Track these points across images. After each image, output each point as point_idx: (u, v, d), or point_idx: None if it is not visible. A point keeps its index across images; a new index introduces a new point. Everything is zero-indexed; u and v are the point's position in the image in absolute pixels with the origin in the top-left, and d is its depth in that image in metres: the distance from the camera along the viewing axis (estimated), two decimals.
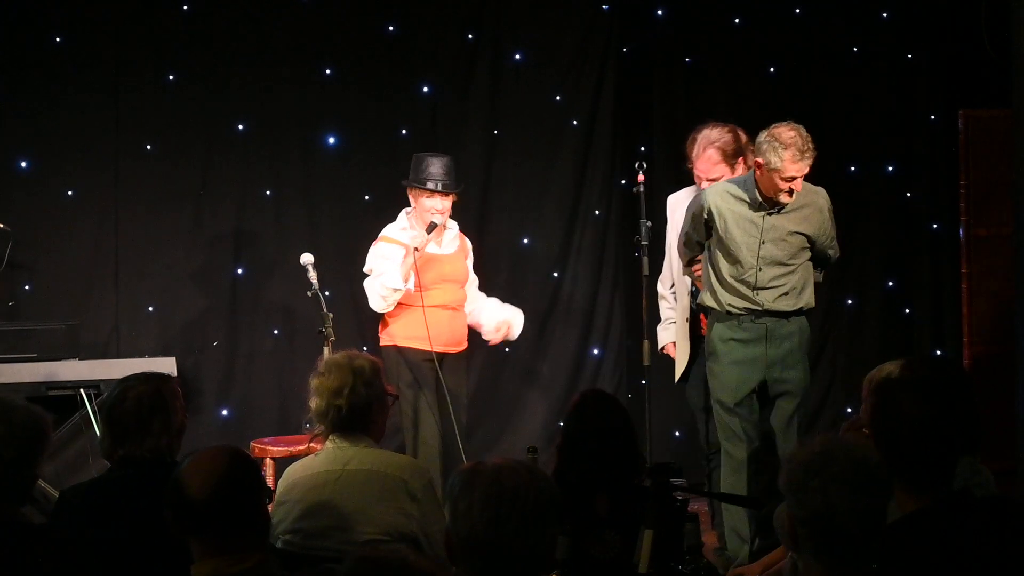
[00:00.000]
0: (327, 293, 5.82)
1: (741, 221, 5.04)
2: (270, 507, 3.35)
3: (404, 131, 6.91)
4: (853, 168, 7.57)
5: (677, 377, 5.65)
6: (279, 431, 6.26)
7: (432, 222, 5.58)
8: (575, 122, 7.15)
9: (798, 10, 7.50)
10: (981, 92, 7.20)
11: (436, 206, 5.59)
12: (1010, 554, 2.68)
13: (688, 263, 5.37)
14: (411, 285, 5.54)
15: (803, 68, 7.47)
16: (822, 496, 2.39)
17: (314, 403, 3.59)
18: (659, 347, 5.80)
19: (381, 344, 5.71)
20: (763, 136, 4.94)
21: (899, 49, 7.62)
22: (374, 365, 3.61)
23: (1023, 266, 5.36)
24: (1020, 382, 5.28)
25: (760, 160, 4.93)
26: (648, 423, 5.90)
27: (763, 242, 5.04)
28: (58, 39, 6.34)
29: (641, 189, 5.78)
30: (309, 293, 5.69)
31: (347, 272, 6.76)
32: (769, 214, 5.03)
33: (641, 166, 5.77)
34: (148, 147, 6.48)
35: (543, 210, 7.06)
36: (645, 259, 5.71)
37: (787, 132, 4.89)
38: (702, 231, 5.15)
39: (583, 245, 7.16)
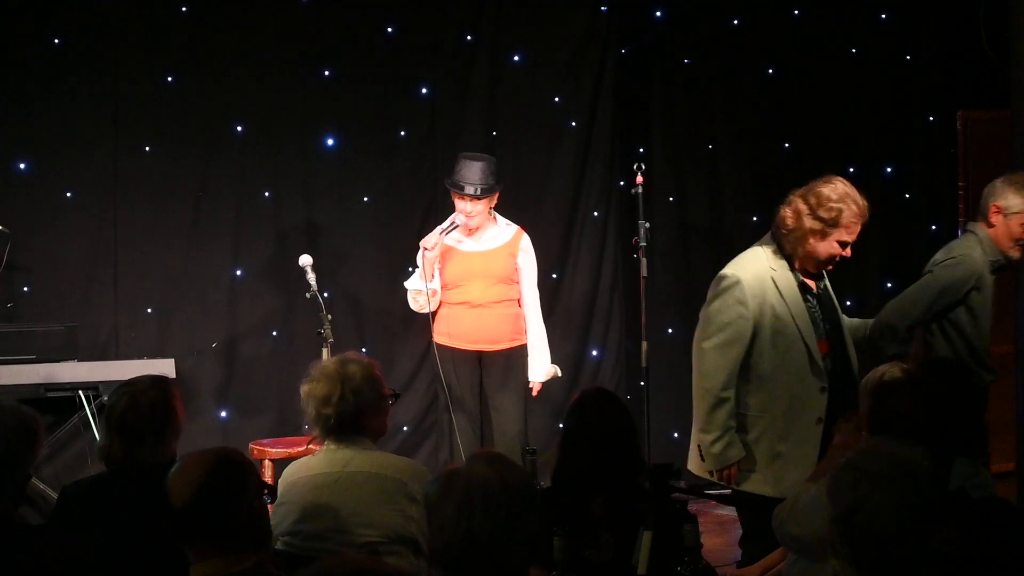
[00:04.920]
0: (326, 295, 5.82)
1: (991, 287, 4.80)
2: (271, 507, 3.35)
3: (403, 132, 6.91)
4: (852, 169, 7.56)
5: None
6: (278, 432, 6.26)
7: (455, 221, 5.72)
8: (574, 123, 7.15)
9: (797, 11, 7.51)
10: (979, 93, 7.21)
11: (465, 208, 5.71)
12: (1005, 556, 2.68)
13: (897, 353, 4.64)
14: (436, 284, 5.68)
15: (802, 69, 7.48)
16: (853, 491, 2.34)
17: (305, 409, 3.59)
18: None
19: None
20: (1002, 182, 4.71)
21: (898, 50, 7.64)
22: (367, 370, 3.58)
23: (1023, 266, 5.36)
24: (1020, 382, 5.28)
25: (1001, 204, 4.67)
26: (647, 424, 5.91)
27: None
28: (57, 40, 6.33)
29: (640, 190, 5.78)
30: (308, 294, 5.71)
31: (346, 274, 6.77)
32: (993, 274, 4.78)
33: (640, 167, 5.78)
34: (147, 148, 6.47)
35: (542, 211, 7.06)
36: (644, 260, 5.71)
37: None
38: (949, 305, 4.74)
39: (582, 246, 7.16)
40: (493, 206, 5.86)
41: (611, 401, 3.72)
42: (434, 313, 5.78)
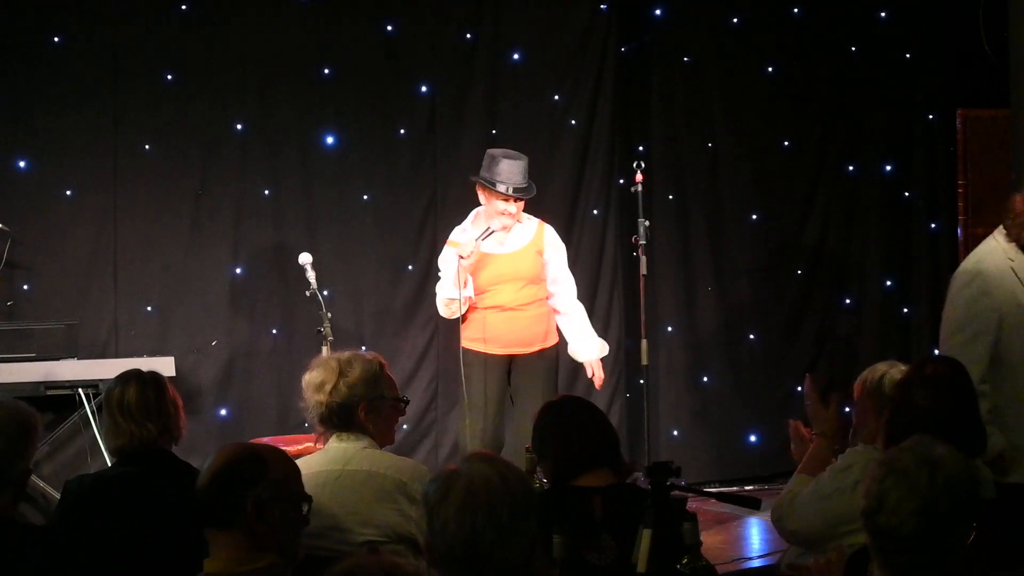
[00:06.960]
0: (325, 293, 5.83)
1: None
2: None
3: (402, 131, 6.91)
4: (851, 168, 7.58)
5: None
6: (278, 431, 6.27)
7: (489, 226, 5.48)
8: (573, 122, 7.15)
9: (796, 10, 7.52)
10: (979, 92, 7.22)
11: (509, 208, 5.49)
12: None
13: None
14: (470, 291, 5.46)
15: (801, 68, 7.49)
16: (878, 487, 2.31)
17: (305, 396, 3.60)
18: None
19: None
20: None
21: (898, 49, 7.64)
22: (369, 367, 3.54)
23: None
24: None
25: None
26: (647, 423, 5.92)
27: None
28: (56, 39, 6.33)
29: (639, 189, 5.79)
30: (308, 293, 5.71)
31: (346, 272, 6.77)
32: None
33: (639, 166, 5.78)
34: (146, 147, 6.48)
35: (542, 209, 7.04)
36: (644, 259, 5.71)
37: None
38: None
39: (582, 245, 7.16)
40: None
41: (575, 399, 3.77)
42: (464, 318, 5.55)
